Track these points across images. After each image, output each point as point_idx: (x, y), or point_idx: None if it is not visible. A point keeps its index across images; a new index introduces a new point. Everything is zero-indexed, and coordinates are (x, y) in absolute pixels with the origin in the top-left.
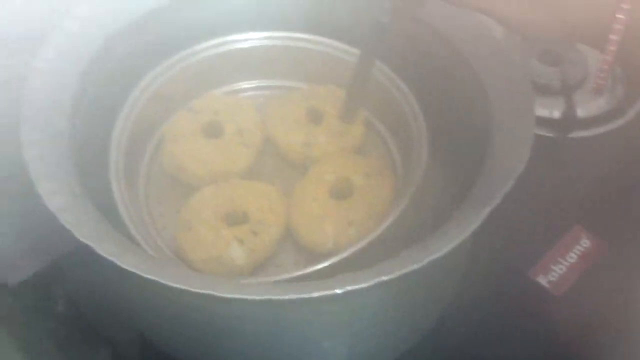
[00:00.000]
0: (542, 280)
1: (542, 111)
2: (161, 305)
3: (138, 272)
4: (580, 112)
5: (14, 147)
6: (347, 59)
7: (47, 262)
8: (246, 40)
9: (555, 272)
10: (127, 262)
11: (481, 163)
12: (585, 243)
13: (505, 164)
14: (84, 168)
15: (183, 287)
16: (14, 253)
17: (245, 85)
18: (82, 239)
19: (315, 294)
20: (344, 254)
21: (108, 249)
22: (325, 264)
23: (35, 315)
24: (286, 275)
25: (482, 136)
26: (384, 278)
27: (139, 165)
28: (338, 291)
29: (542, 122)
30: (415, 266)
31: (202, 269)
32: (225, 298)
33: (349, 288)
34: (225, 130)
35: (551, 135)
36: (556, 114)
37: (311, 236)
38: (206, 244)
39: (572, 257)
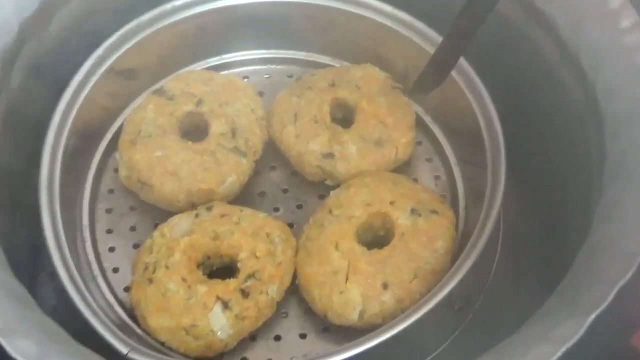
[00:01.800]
0: None
1: None
2: None
3: None
4: None
5: None
6: (399, 30)
7: None
8: None
9: None
10: None
11: (586, 232)
12: None
13: (622, 241)
14: None
15: None
16: None
17: (243, 57)
18: None
19: None
20: (378, 339)
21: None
22: (350, 354)
23: None
24: None
25: (589, 183)
26: None
27: (83, 177)
28: None
29: None
30: None
31: (168, 340)
32: None
33: None
34: (212, 128)
35: None
36: None
37: (328, 302)
38: (175, 306)
39: None
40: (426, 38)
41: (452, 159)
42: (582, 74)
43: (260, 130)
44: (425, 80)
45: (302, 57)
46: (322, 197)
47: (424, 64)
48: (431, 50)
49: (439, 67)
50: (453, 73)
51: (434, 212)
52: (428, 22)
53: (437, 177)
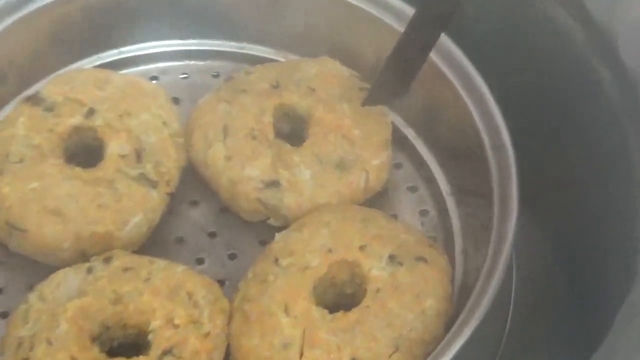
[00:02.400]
0: None
1: None
2: None
3: None
4: None
5: None
6: (367, 9)
7: None
8: None
9: None
10: None
11: (627, 287)
12: None
13: None
14: None
15: None
16: None
17: (150, 51)
18: None
19: None
20: None
21: None
22: None
23: None
24: None
25: (633, 222)
26: None
27: None
28: None
29: None
30: None
31: None
32: None
33: None
34: (108, 149)
35: None
36: None
37: None
38: None
39: None
40: (405, 20)
41: (445, 187)
42: (621, 68)
43: (175, 151)
44: (385, 86)
45: (233, 49)
46: (265, 242)
47: None
48: None
49: (403, 66)
50: (445, 69)
51: (421, 259)
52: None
53: (424, 212)
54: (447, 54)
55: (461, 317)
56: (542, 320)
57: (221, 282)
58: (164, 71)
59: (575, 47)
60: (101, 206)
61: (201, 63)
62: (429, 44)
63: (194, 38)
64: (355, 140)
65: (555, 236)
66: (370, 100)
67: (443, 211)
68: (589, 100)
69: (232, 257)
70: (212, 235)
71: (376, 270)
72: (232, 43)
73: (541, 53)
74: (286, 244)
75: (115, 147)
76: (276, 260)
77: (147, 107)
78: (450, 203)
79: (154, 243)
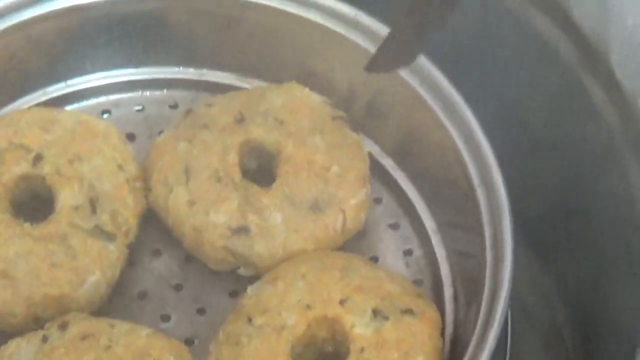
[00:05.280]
0: None
1: None
2: None
3: None
4: None
5: None
6: (339, 31)
7: None
8: None
9: None
10: None
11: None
12: None
13: None
14: None
15: None
16: None
17: (100, 82)
18: None
19: None
20: None
21: None
22: None
23: None
24: None
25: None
26: None
27: None
28: None
29: None
30: None
31: None
32: None
33: None
34: (59, 199)
35: None
36: None
37: None
38: None
39: None
40: (379, 40)
41: (430, 223)
42: (621, 97)
43: (133, 198)
44: (395, 46)
45: (192, 77)
46: (235, 293)
47: (378, 80)
48: None
49: (420, 21)
50: (424, 92)
51: (408, 311)
52: (382, 18)
53: (408, 252)
54: (427, 77)
55: None
56: None
57: (190, 341)
58: (117, 104)
59: (564, 64)
60: (54, 265)
61: (157, 93)
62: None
63: (148, 66)
64: (330, 178)
65: (554, 268)
66: (374, 65)
67: (429, 250)
68: (583, 124)
69: (201, 312)
70: (178, 287)
71: (359, 327)
72: (191, 70)
73: (527, 71)
74: (259, 300)
75: (66, 197)
76: (249, 319)
77: (100, 150)
78: (437, 240)
79: (114, 300)
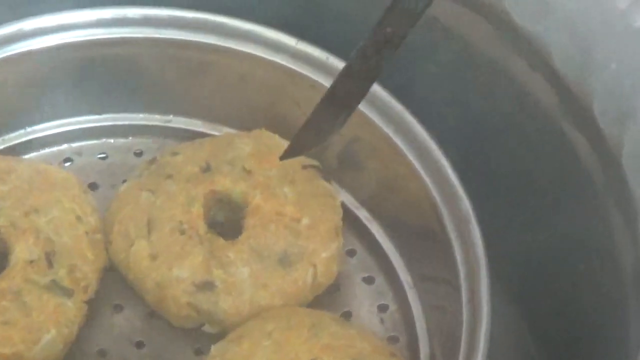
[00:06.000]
0: None
1: None
2: None
3: None
4: None
5: None
6: (309, 75)
7: None
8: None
9: None
10: None
11: None
12: None
13: None
14: None
15: None
16: None
17: (61, 129)
18: None
19: None
20: None
21: None
22: None
23: None
24: None
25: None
26: None
27: None
28: None
29: None
30: None
31: None
32: None
33: None
34: (14, 254)
35: None
36: None
37: None
38: None
39: None
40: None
41: (406, 277)
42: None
43: (93, 251)
44: (316, 126)
45: (158, 123)
46: (200, 351)
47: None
48: (362, 107)
49: (341, 101)
50: (399, 141)
51: None
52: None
53: (382, 308)
54: (402, 124)
55: None
56: None
57: None
58: (79, 152)
59: (543, 109)
60: (7, 323)
61: (122, 140)
62: (375, 73)
63: (112, 112)
64: (301, 230)
65: (532, 318)
66: (292, 151)
67: (405, 304)
68: (564, 172)
69: None
70: (140, 345)
71: None
72: (156, 116)
73: (504, 118)
74: None
75: (21, 251)
76: None
77: (58, 201)
78: (413, 295)
79: (72, 359)
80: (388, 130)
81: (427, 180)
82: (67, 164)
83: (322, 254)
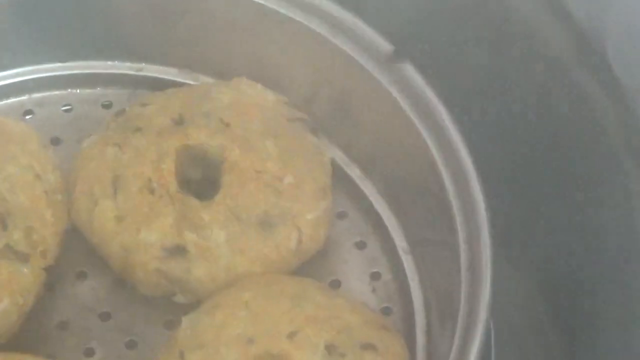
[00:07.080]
0: None
1: None
2: None
3: None
4: None
5: None
6: (296, 18)
7: None
8: None
9: None
10: None
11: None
12: None
13: None
14: None
15: None
16: None
17: (19, 78)
18: None
19: None
20: None
21: None
22: None
23: None
24: None
25: None
26: None
27: None
28: None
29: None
30: None
31: None
32: None
33: None
34: None
35: None
36: None
37: None
38: None
39: None
40: (343, 30)
41: (401, 242)
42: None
43: (52, 212)
44: None
45: (129, 71)
46: (171, 324)
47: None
48: (356, 54)
49: None
50: (398, 95)
51: (369, 346)
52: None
53: (375, 275)
54: (401, 77)
55: None
56: None
57: None
58: (41, 103)
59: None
60: None
61: (88, 91)
62: None
63: (78, 59)
64: (283, 190)
65: (540, 281)
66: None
67: (399, 272)
68: (580, 125)
69: (131, 345)
70: (105, 316)
71: None
72: (127, 64)
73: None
74: (194, 333)
75: None
76: (181, 355)
77: (14, 157)
78: (409, 262)
79: (28, 331)
80: (385, 82)
81: (426, 135)
82: (27, 117)
83: (307, 215)
